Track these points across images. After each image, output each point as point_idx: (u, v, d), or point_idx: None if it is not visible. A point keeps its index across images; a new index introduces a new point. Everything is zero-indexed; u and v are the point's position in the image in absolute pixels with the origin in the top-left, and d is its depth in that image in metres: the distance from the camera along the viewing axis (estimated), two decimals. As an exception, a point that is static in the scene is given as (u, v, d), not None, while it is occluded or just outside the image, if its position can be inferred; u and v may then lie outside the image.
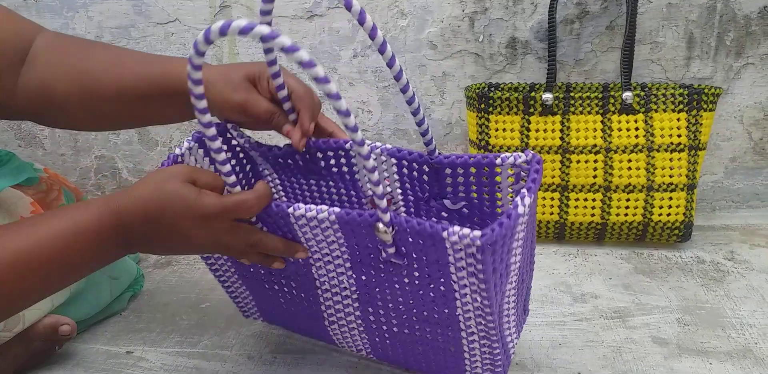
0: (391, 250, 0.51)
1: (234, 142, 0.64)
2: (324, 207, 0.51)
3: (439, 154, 0.58)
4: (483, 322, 0.54)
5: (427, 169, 0.59)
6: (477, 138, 0.94)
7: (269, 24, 0.50)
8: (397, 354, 0.64)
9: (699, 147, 0.90)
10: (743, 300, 0.80)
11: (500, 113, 0.92)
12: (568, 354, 0.70)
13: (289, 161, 0.64)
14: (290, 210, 0.51)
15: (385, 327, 0.62)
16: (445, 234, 0.47)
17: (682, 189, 0.90)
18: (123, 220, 0.48)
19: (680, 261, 0.91)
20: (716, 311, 0.78)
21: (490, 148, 0.93)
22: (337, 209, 0.51)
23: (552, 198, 0.93)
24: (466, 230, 0.46)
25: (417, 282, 0.54)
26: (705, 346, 0.71)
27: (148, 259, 0.97)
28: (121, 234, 0.49)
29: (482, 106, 0.92)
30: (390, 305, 0.59)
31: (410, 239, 0.50)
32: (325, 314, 0.64)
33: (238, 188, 0.52)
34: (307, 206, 0.52)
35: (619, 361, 0.69)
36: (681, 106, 0.89)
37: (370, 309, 0.61)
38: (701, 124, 0.89)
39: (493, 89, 0.94)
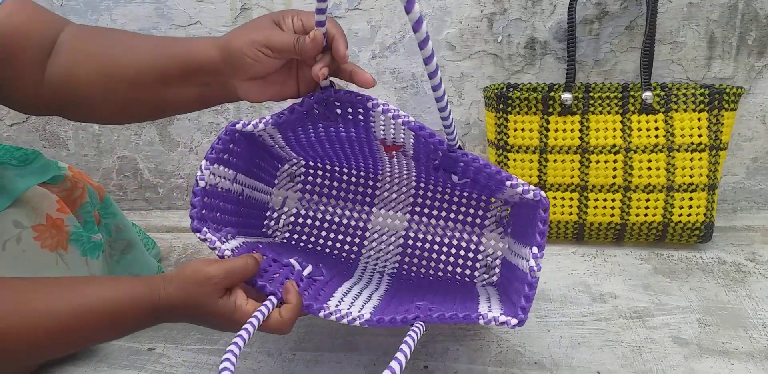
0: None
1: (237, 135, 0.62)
2: (354, 316, 0.55)
3: (458, 148, 0.58)
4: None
5: (441, 155, 0.60)
6: (495, 138, 0.94)
7: (323, 23, 0.52)
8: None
9: (720, 147, 0.89)
10: (765, 301, 0.79)
11: (519, 113, 0.92)
12: (587, 354, 0.70)
13: (304, 112, 0.62)
14: (320, 314, 0.56)
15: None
16: (481, 321, 0.53)
17: (702, 190, 0.89)
18: (160, 314, 0.53)
19: (701, 262, 0.90)
20: (738, 312, 0.77)
21: (508, 148, 0.93)
22: (367, 315, 0.55)
23: (571, 199, 0.93)
24: (502, 317, 0.53)
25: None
26: (726, 347, 0.71)
27: (169, 258, 0.98)
28: (156, 320, 0.54)
29: (501, 106, 0.92)
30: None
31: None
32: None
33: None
34: (337, 315, 0.55)
35: (638, 361, 0.69)
36: (702, 106, 0.89)
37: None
38: (722, 124, 0.89)
39: (511, 89, 0.94)
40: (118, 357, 0.72)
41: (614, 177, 0.90)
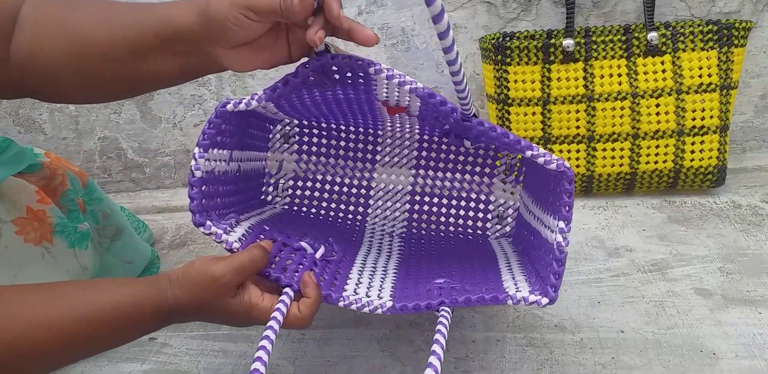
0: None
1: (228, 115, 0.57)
2: (375, 304, 0.53)
3: (473, 116, 0.53)
4: None
5: (453, 121, 0.55)
6: (495, 92, 0.89)
7: None
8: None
9: (731, 86, 0.85)
10: (787, 245, 0.76)
11: (519, 64, 0.87)
12: (609, 312, 0.68)
13: (299, 82, 0.56)
14: (340, 304, 0.53)
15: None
16: (510, 302, 0.51)
17: (714, 132, 0.85)
18: (168, 317, 0.50)
19: (715, 207, 0.86)
20: (759, 257, 0.74)
21: (509, 101, 0.88)
22: (389, 303, 0.52)
23: (578, 150, 0.88)
24: (532, 297, 0.51)
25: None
26: (752, 295, 0.68)
27: (162, 241, 0.94)
28: (165, 323, 0.51)
29: (499, 57, 0.87)
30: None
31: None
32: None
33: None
34: (358, 305, 0.53)
35: (662, 316, 0.66)
36: (711, 44, 0.83)
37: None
38: (732, 62, 0.84)
39: (509, 39, 0.88)
40: (119, 349, 0.69)
41: (622, 125, 0.86)
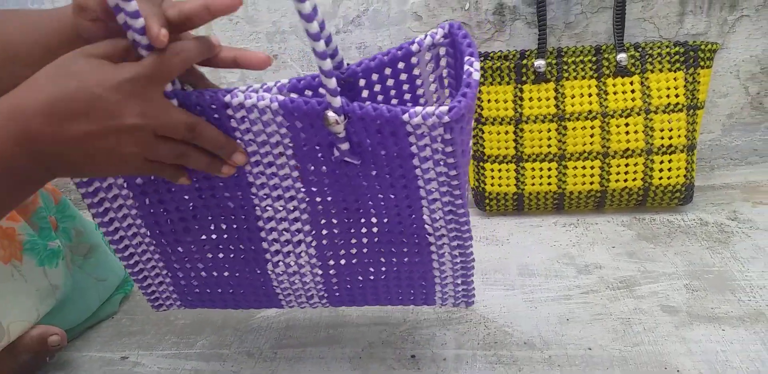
0: (344, 146, 0.46)
1: None
2: (266, 94, 0.46)
3: (348, 65, 0.50)
4: (454, 220, 0.51)
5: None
6: (468, 110, 0.91)
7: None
8: (354, 293, 0.60)
9: (697, 106, 0.87)
10: (751, 261, 0.78)
11: (492, 83, 0.88)
12: (577, 329, 0.69)
13: None
14: (227, 98, 0.45)
15: (342, 261, 0.57)
16: (406, 117, 0.43)
17: (681, 151, 0.87)
18: (22, 128, 0.40)
19: (683, 225, 0.88)
20: (724, 274, 0.76)
21: (483, 120, 0.90)
22: (281, 97, 0.46)
23: (549, 169, 0.90)
24: (430, 108, 0.42)
25: (376, 183, 0.50)
26: (716, 312, 0.69)
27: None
28: (26, 147, 0.41)
29: (471, 76, 0.88)
30: (346, 220, 0.53)
31: (365, 129, 0.45)
32: (269, 254, 0.57)
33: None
34: (246, 93, 0.46)
35: (629, 333, 0.67)
36: (678, 65, 0.86)
37: (324, 231, 0.54)
38: (699, 82, 0.86)
39: (483, 59, 0.90)
40: (90, 369, 0.69)
41: (592, 143, 0.88)
